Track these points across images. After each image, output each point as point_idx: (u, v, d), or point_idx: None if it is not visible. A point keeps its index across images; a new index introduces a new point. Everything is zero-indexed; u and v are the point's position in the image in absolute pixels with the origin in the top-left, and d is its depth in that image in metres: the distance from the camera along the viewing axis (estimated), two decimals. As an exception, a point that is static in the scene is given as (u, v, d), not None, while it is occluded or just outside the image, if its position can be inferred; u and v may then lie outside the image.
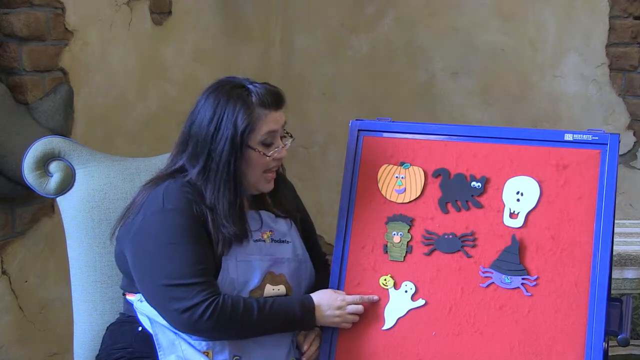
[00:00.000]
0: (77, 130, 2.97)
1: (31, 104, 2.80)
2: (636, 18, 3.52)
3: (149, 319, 2.02)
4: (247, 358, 1.99)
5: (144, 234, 1.98)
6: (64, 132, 2.85)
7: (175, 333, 1.98)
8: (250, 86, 2.03)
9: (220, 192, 1.99)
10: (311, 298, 2.04)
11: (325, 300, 2.04)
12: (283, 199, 2.16)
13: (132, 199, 2.07)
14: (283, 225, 2.12)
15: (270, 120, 2.01)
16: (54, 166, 2.24)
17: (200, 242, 1.97)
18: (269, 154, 2.02)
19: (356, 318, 2.06)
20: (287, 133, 2.08)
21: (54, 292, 2.96)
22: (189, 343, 1.97)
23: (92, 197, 2.22)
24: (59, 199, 2.27)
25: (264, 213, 2.11)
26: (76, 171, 2.25)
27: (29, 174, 2.23)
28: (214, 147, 1.99)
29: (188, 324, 1.92)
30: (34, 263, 2.92)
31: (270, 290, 2.04)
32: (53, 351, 3.02)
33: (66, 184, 2.25)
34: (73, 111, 2.94)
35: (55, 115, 2.83)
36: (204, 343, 1.97)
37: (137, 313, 2.05)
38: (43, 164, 2.23)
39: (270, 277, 2.05)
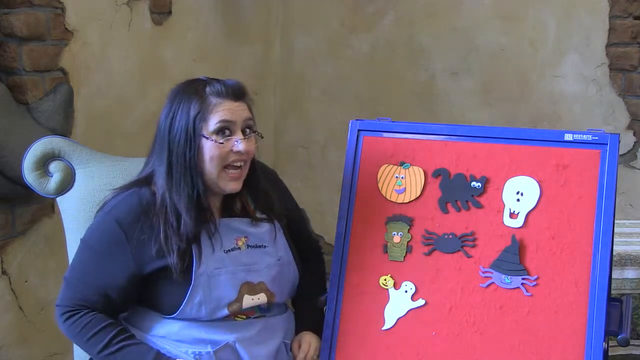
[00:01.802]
0: (77, 130, 2.97)
1: (31, 104, 2.80)
2: (636, 18, 3.51)
3: (135, 328, 2.02)
4: None
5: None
6: (64, 132, 2.85)
7: (154, 344, 1.98)
8: (207, 79, 2.00)
9: (180, 187, 1.94)
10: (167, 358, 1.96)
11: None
12: (263, 200, 2.09)
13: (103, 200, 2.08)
14: (264, 229, 2.06)
15: (224, 109, 1.94)
16: (54, 166, 2.24)
17: (110, 259, 1.95)
18: (221, 141, 1.93)
19: None
20: (254, 131, 2.00)
21: (54, 292, 2.95)
22: (179, 348, 1.97)
23: (92, 197, 2.21)
24: (59, 199, 2.27)
25: (235, 220, 2.04)
26: (76, 171, 2.25)
27: (29, 174, 2.23)
28: (171, 139, 1.95)
29: (55, 317, 2.01)
30: (34, 263, 2.92)
31: (249, 300, 2.00)
32: (53, 351, 3.02)
33: (66, 184, 2.25)
34: (73, 111, 2.94)
35: (55, 115, 2.83)
36: (190, 350, 1.96)
37: (123, 321, 2.05)
38: (43, 164, 2.23)
39: (248, 287, 2.01)
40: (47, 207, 2.91)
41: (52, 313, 2.96)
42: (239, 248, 2.02)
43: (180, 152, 1.94)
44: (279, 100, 4.14)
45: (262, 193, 2.09)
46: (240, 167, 1.98)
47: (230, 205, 2.06)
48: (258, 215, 2.07)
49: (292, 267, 2.11)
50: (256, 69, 3.95)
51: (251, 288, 2.01)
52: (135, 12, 3.22)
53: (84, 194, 2.23)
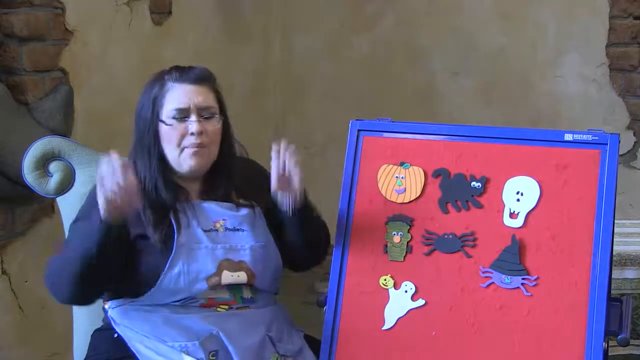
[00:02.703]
0: (77, 130, 2.97)
1: (31, 104, 2.80)
2: (636, 18, 3.52)
3: (121, 324, 2.02)
4: (224, 353, 1.96)
5: None
6: (64, 132, 2.85)
7: (149, 338, 1.97)
8: (172, 67, 2.08)
9: (145, 167, 2.03)
10: None
11: None
12: (243, 185, 2.13)
13: None
14: (243, 214, 2.09)
15: (181, 93, 2.02)
16: (54, 166, 2.24)
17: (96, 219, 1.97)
18: (174, 124, 2.01)
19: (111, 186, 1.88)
20: (213, 114, 2.05)
21: (54, 292, 2.96)
22: (165, 342, 1.96)
23: (92, 197, 2.22)
24: (59, 199, 2.27)
25: (213, 203, 2.08)
26: (76, 171, 2.25)
27: (29, 174, 2.23)
28: (138, 124, 2.07)
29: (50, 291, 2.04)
30: (34, 263, 2.92)
31: (228, 276, 2.02)
32: (53, 351, 3.02)
33: (66, 184, 2.25)
34: (73, 111, 2.94)
35: (56, 115, 2.83)
36: (177, 344, 1.95)
37: (111, 320, 2.04)
38: (43, 164, 2.23)
39: (228, 263, 2.02)
40: (47, 207, 2.91)
41: (52, 313, 2.97)
42: (217, 230, 2.05)
43: (145, 137, 2.04)
44: (279, 100, 4.15)
45: (240, 178, 2.13)
46: (197, 146, 2.03)
47: (212, 190, 2.10)
48: (238, 199, 2.11)
49: (274, 253, 2.10)
50: (256, 69, 3.95)
51: (231, 265, 2.03)
52: (135, 12, 3.22)
53: (84, 194, 2.22)
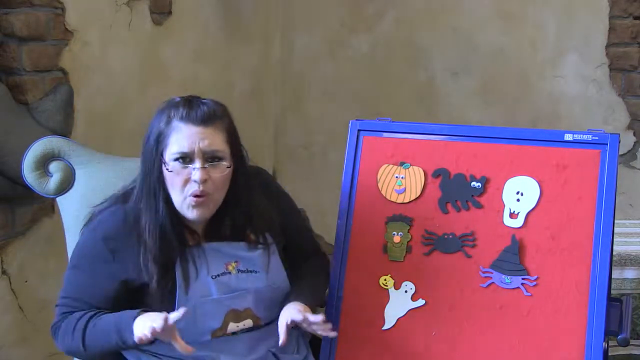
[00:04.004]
0: (77, 130, 2.97)
1: (31, 104, 2.80)
2: (636, 18, 3.51)
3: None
4: None
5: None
6: (64, 132, 2.85)
7: (138, 356, 1.96)
8: (181, 99, 1.91)
9: (148, 211, 1.90)
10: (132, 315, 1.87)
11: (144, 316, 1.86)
12: (257, 221, 2.00)
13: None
14: (258, 254, 1.98)
15: (185, 135, 1.86)
16: (54, 166, 2.24)
17: (98, 275, 1.93)
18: (176, 170, 1.85)
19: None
20: (219, 158, 1.89)
21: (54, 292, 2.94)
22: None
23: (92, 197, 2.21)
24: (59, 199, 2.27)
25: (224, 244, 1.96)
26: (76, 171, 2.25)
27: (29, 174, 2.23)
28: (145, 155, 1.92)
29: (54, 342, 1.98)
30: (34, 263, 2.92)
31: (234, 327, 1.94)
32: (53, 351, 3.01)
33: (66, 184, 2.25)
34: (73, 111, 2.94)
35: (55, 115, 2.83)
36: None
37: None
38: (43, 164, 2.23)
39: (233, 315, 1.94)
40: (47, 207, 2.90)
41: (52, 313, 2.96)
42: (229, 272, 1.95)
43: (147, 175, 1.91)
44: (279, 100, 4.14)
45: (255, 214, 2.00)
46: (200, 196, 1.88)
47: (218, 229, 1.97)
48: (252, 237, 1.99)
49: (284, 290, 2.02)
50: (256, 69, 3.95)
51: (237, 315, 1.95)
52: (135, 12, 3.22)
53: (84, 194, 2.23)
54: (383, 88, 3.97)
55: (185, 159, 1.87)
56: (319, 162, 4.05)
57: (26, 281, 2.91)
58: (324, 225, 3.86)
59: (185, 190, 1.87)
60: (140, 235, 1.91)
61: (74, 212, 2.23)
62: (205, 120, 1.87)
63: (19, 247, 2.87)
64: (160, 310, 1.83)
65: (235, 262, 1.97)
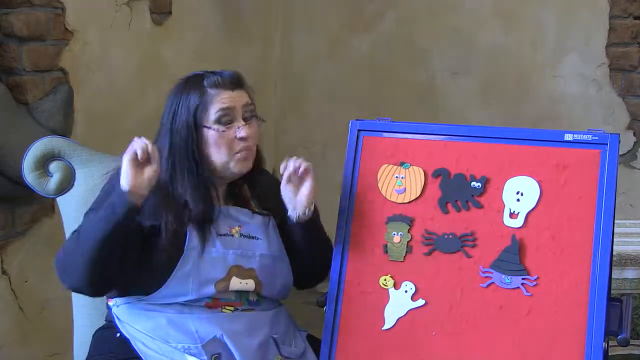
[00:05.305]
0: (77, 130, 2.97)
1: (31, 104, 2.80)
2: (636, 18, 3.52)
3: (125, 322, 2.02)
4: (227, 355, 1.96)
5: None
6: (64, 132, 2.85)
7: (152, 338, 1.97)
8: (204, 73, 2.07)
9: (185, 179, 2.01)
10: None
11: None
12: (262, 195, 2.14)
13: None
14: (258, 221, 2.10)
15: (223, 98, 2.02)
16: (54, 166, 2.24)
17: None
18: (223, 129, 2.01)
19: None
20: (255, 115, 2.08)
21: (54, 292, 2.96)
22: (168, 343, 1.96)
23: (92, 197, 2.20)
24: (59, 199, 2.27)
25: (233, 208, 2.09)
26: (76, 171, 2.25)
27: (29, 174, 2.23)
28: (174, 134, 2.02)
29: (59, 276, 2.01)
30: (34, 263, 2.92)
31: (237, 283, 2.03)
32: (53, 351, 3.02)
33: (66, 184, 2.25)
34: (73, 111, 2.94)
35: (55, 115, 2.83)
36: (180, 345, 1.95)
37: (115, 318, 2.04)
38: (43, 164, 2.24)
39: (237, 270, 2.03)
40: (47, 207, 2.91)
41: (52, 313, 2.97)
42: (232, 235, 2.06)
43: (183, 146, 2.01)
44: (279, 100, 4.15)
45: (262, 188, 2.14)
46: (247, 150, 2.05)
47: (234, 194, 2.11)
48: (255, 207, 2.12)
49: (285, 265, 2.11)
50: (256, 69, 3.95)
51: (241, 271, 2.03)
52: (135, 12, 3.22)
53: (84, 194, 2.23)
54: (383, 88, 3.98)
55: (227, 119, 2.02)
56: (319, 162, 4.05)
57: (26, 281, 2.91)
58: (324, 225, 3.86)
59: (233, 147, 2.03)
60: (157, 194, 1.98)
61: (74, 212, 2.23)
62: (236, 84, 2.06)
63: (19, 247, 2.87)
64: (170, 258, 1.97)
65: (239, 226, 2.07)
